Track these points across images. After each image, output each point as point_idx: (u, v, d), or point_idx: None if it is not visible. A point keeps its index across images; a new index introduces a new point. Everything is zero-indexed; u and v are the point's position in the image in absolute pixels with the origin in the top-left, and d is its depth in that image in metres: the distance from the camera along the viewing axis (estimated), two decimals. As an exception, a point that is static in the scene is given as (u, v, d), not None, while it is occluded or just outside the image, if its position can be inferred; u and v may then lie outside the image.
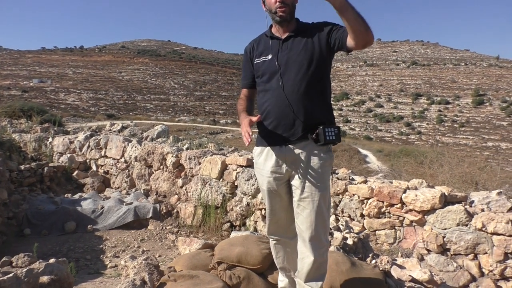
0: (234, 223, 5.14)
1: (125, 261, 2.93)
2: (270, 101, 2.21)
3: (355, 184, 4.54)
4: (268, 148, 2.24)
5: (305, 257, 2.20)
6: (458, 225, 3.75)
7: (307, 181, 2.15)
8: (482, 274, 3.60)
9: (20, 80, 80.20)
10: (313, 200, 2.14)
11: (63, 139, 7.68)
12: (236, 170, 5.25)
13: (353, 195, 4.48)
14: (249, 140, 2.14)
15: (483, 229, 3.59)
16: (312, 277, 2.21)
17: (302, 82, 2.13)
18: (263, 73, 2.25)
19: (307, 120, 2.12)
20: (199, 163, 5.69)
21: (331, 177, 4.60)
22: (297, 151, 2.16)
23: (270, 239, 2.47)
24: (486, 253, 3.59)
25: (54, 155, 7.55)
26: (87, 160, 7.35)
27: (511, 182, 5.99)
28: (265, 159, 2.26)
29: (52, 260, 2.66)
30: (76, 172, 7.00)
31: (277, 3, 2.12)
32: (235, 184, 5.27)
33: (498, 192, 4.04)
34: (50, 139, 7.84)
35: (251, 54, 2.34)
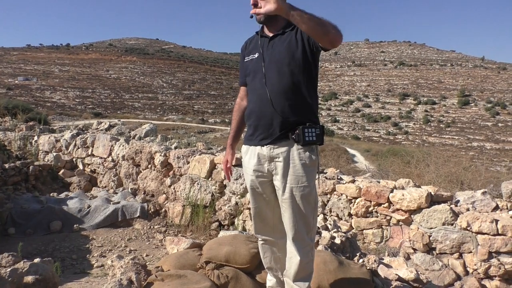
0: (222, 223, 5.13)
1: (112, 261, 2.91)
2: (252, 101, 2.25)
3: (343, 183, 4.57)
4: (253, 146, 2.25)
5: (292, 257, 2.21)
6: (443, 224, 3.80)
7: (287, 182, 2.14)
8: (466, 273, 3.66)
9: (4, 78, 78.74)
10: (293, 201, 2.14)
11: (49, 138, 7.58)
12: (224, 169, 5.24)
13: (341, 194, 4.51)
14: (230, 177, 2.54)
15: (468, 228, 3.65)
16: (299, 277, 2.22)
17: (280, 82, 2.13)
18: (249, 72, 2.28)
19: (285, 120, 2.12)
20: (188, 162, 5.67)
21: (319, 176, 4.62)
22: (277, 151, 2.15)
23: (258, 240, 2.47)
24: (471, 252, 3.65)
25: (40, 153, 7.45)
26: (74, 159, 7.26)
27: (495, 181, 6.09)
28: (249, 157, 2.28)
29: (37, 260, 2.63)
30: (62, 171, 6.91)
31: (252, 2, 2.12)
32: (224, 183, 5.27)
33: (483, 192, 4.10)
34: (35, 138, 7.72)
35: (244, 52, 2.37)
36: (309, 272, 2.26)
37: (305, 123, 2.11)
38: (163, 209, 5.56)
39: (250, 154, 2.27)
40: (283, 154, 2.14)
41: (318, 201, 4.55)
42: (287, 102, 2.11)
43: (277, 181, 2.18)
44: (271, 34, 2.22)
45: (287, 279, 2.28)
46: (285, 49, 2.14)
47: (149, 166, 6.19)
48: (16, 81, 77.65)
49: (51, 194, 6.04)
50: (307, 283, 2.24)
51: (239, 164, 5.14)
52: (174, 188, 5.69)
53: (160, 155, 5.95)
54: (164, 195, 5.75)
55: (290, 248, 2.22)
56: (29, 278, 2.39)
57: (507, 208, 3.85)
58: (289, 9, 1.84)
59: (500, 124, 71.25)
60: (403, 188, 4.26)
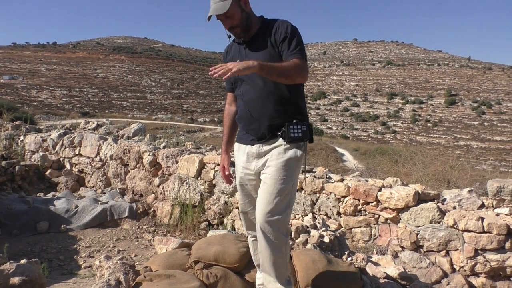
0: (211, 222, 5.12)
1: (100, 261, 2.88)
2: (240, 107, 2.34)
3: (332, 182, 4.59)
4: (244, 145, 2.34)
5: (262, 251, 2.19)
6: (431, 222, 3.84)
7: (268, 174, 2.17)
8: (453, 270, 3.70)
9: (-10, 76, 77.55)
10: (268, 187, 2.14)
11: (36, 137, 7.48)
12: (214, 168, 5.23)
13: (330, 193, 4.53)
14: (231, 180, 2.53)
15: (455, 226, 3.69)
16: (275, 275, 2.20)
17: (264, 86, 2.18)
18: (234, 80, 2.33)
19: (272, 123, 2.19)
20: (177, 162, 5.65)
21: (305, 175, 4.64)
22: (265, 148, 2.23)
23: (248, 236, 2.51)
24: (458, 249, 3.69)
25: (26, 153, 7.35)
26: (61, 159, 7.18)
27: (481, 180, 6.17)
28: (240, 154, 2.37)
29: (23, 261, 2.60)
30: (49, 171, 6.82)
31: (228, 27, 2.20)
32: (213, 182, 5.25)
33: (469, 190, 4.15)
34: (21, 137, 7.62)
35: (225, 60, 2.41)
36: (282, 270, 2.22)
37: (292, 121, 2.18)
38: (152, 209, 5.53)
39: (241, 152, 2.36)
40: (270, 151, 2.22)
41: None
42: (271, 106, 2.18)
43: (262, 176, 2.23)
44: (246, 40, 2.27)
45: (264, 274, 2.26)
46: (261, 54, 2.18)
47: (138, 165, 6.15)
48: (2, 80, 76.41)
49: (38, 194, 5.97)
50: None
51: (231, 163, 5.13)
52: (163, 188, 5.66)
53: (149, 155, 5.92)
54: (152, 195, 5.72)
55: (260, 240, 2.17)
56: (15, 279, 2.36)
57: (492, 206, 3.91)
58: (260, 69, 1.93)
59: (486, 123, 72.37)
60: (391, 187, 4.30)
